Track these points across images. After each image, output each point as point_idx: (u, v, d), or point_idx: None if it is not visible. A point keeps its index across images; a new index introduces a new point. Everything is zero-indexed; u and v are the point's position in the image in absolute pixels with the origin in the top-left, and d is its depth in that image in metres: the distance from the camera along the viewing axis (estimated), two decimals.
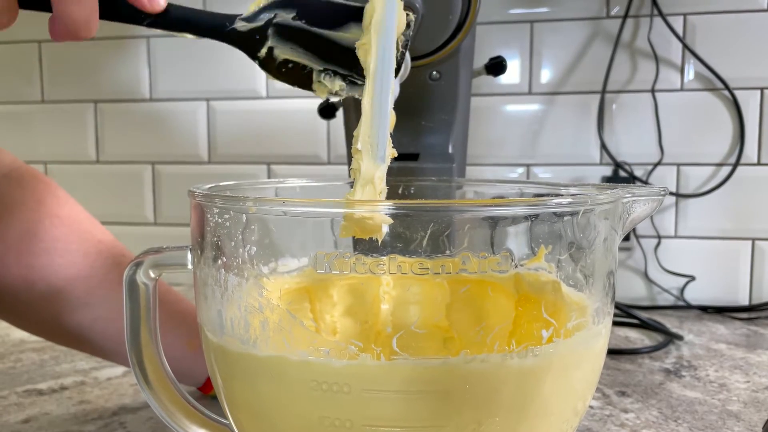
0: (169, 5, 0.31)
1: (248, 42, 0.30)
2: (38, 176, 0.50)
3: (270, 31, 0.30)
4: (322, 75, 0.32)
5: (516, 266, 0.31)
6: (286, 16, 0.30)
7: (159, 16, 0.30)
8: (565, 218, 0.31)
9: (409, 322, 0.35)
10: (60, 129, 1.12)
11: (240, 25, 0.30)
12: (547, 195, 0.41)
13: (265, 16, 0.30)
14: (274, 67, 0.32)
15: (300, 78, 0.32)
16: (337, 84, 0.32)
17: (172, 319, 0.50)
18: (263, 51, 0.31)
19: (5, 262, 0.46)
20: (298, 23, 0.30)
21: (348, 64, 0.31)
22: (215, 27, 0.30)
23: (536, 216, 0.31)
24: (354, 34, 0.31)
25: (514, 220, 0.31)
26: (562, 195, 0.39)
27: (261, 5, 0.30)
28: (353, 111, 0.59)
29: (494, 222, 0.30)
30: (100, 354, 0.52)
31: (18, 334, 0.79)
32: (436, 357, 0.27)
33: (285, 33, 0.30)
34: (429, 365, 0.27)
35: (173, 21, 0.31)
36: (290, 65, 0.31)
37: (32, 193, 0.48)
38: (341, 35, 0.31)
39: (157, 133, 1.09)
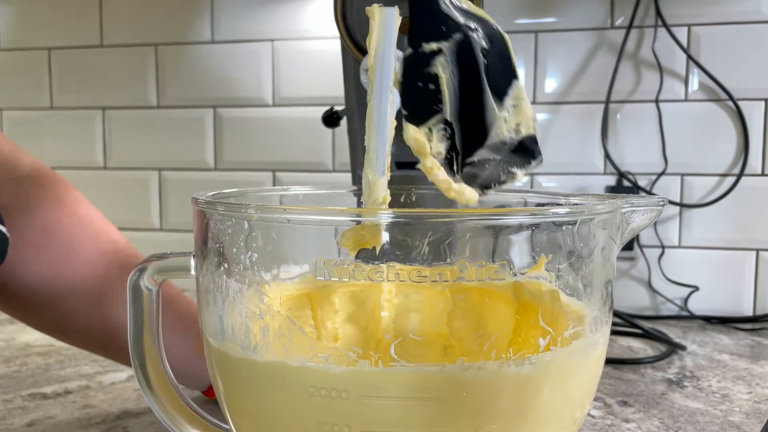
0: None
1: None
2: (57, 177, 0.50)
3: None
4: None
5: (515, 274, 0.32)
6: None
7: None
8: (564, 228, 0.31)
9: (408, 330, 0.36)
10: (68, 135, 1.13)
11: None
12: (548, 204, 0.42)
13: None
14: None
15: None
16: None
17: (182, 320, 0.51)
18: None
19: (24, 258, 0.46)
20: None
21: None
22: None
23: (536, 225, 0.31)
24: None
25: (514, 229, 0.31)
26: (561, 204, 0.40)
27: None
28: (357, 120, 0.60)
29: (495, 231, 0.31)
30: (108, 354, 0.52)
31: (23, 338, 0.79)
32: (433, 364, 0.28)
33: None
34: (426, 372, 0.28)
35: None
36: None
37: (52, 192, 0.48)
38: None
39: (164, 140, 1.10)
